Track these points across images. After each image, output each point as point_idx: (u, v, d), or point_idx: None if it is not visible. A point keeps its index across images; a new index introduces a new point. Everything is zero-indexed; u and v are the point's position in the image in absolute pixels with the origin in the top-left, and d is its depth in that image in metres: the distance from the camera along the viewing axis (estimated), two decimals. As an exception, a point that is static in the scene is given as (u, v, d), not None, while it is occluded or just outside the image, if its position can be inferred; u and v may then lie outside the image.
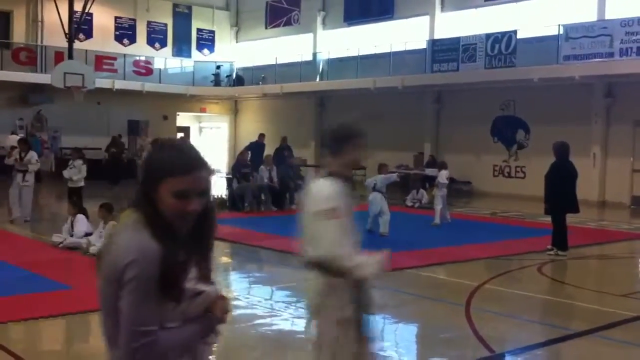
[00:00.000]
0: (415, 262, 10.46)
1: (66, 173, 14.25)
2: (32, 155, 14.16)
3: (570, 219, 11.83)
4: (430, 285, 9.38)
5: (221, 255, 11.57)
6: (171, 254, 2.08)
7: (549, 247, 11.51)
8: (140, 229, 2.08)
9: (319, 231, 3.49)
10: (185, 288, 2.15)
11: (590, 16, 20.50)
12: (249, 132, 29.39)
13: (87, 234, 10.98)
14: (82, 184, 14.26)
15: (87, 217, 11.31)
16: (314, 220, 3.51)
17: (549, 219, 11.75)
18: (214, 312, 2.28)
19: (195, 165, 2.15)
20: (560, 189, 11.33)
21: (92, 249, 10.45)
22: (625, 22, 18.67)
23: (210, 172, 2.24)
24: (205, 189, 2.18)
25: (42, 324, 7.01)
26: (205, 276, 2.26)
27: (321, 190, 3.62)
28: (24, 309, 7.30)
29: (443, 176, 15.29)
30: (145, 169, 2.18)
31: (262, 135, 21.71)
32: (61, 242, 11.00)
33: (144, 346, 2.03)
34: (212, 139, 35.18)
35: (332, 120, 23.18)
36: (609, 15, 20.16)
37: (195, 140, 34.20)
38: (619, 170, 20.45)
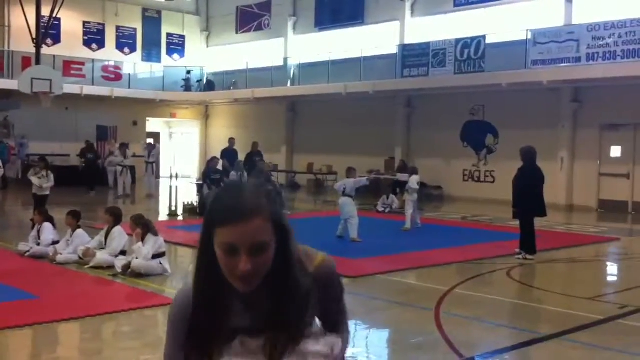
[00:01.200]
0: (385, 268, 10.50)
1: (37, 181, 14.04)
2: None
3: (539, 222, 11.99)
4: (400, 290, 9.41)
5: (191, 263, 11.52)
6: (201, 313, 1.81)
7: (517, 250, 11.65)
8: None
9: None
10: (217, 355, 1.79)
11: (558, 21, 20.78)
12: (220, 138, 29.29)
13: (54, 242, 10.85)
14: (48, 192, 14.13)
15: (54, 225, 11.17)
16: None
17: (517, 223, 11.90)
18: None
19: (244, 213, 1.72)
20: (529, 193, 11.50)
21: (59, 258, 10.34)
22: (592, 27, 18.94)
23: (277, 220, 1.77)
24: (260, 244, 1.72)
25: (9, 334, 6.90)
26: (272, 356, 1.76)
27: None
28: (-11, 319, 7.18)
29: (414, 181, 15.36)
30: (204, 218, 1.83)
31: (232, 140, 21.64)
32: (27, 251, 10.85)
33: None
34: (183, 145, 35.01)
35: (303, 125, 23.28)
36: (576, 20, 20.45)
37: (165, 145, 34.03)
38: (586, 174, 20.72)
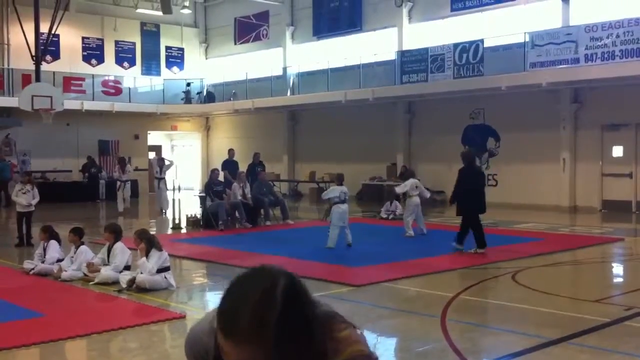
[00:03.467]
0: (390, 275, 10.48)
1: (24, 199, 14.04)
2: None
3: (542, 225, 12.00)
4: (405, 298, 9.40)
5: (196, 276, 11.52)
6: None
7: (456, 248, 12.56)
8: None
9: None
10: None
11: (555, 23, 20.80)
12: (222, 149, 29.29)
13: (59, 260, 10.86)
14: (33, 208, 14.13)
15: (59, 242, 11.18)
16: None
17: (521, 226, 11.95)
18: None
19: (239, 333, 1.44)
20: (471, 192, 12.43)
21: (64, 275, 10.35)
22: (590, 28, 18.95)
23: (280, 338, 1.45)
24: None
25: (16, 353, 6.89)
26: None
27: None
28: (-5, 339, 7.18)
29: (407, 186, 15.25)
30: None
31: (231, 151, 21.60)
32: (32, 269, 10.86)
33: None
34: (185, 157, 35.04)
35: (304, 134, 23.27)
36: (573, 21, 20.47)
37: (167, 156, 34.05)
38: (588, 175, 20.69)
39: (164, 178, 22.53)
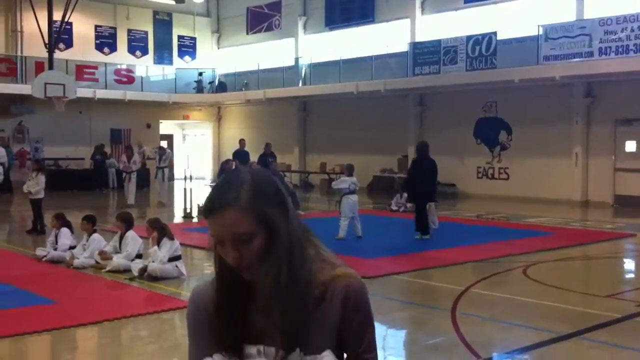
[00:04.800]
0: (400, 268, 10.49)
1: (25, 186, 14.20)
2: None
3: (554, 219, 11.95)
4: (416, 290, 9.41)
5: (207, 265, 11.55)
6: (220, 304, 1.81)
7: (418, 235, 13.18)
8: None
9: None
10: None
11: (569, 16, 20.66)
12: (233, 139, 29.33)
13: (71, 247, 10.93)
14: (41, 195, 14.14)
15: (71, 230, 11.25)
16: None
17: (532, 220, 11.93)
18: None
19: (218, 204, 1.68)
20: (422, 181, 13.08)
21: (76, 262, 10.41)
22: (604, 22, 18.82)
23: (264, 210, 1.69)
24: (241, 235, 1.66)
25: (28, 339, 6.96)
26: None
27: None
28: (8, 324, 7.24)
29: None
30: None
31: (242, 141, 21.55)
32: (45, 256, 10.93)
33: None
34: (196, 146, 35.12)
35: (315, 125, 23.26)
36: (588, 14, 20.33)
37: (179, 147, 34.17)
38: (601, 170, 20.58)
39: (162, 168, 21.93)
